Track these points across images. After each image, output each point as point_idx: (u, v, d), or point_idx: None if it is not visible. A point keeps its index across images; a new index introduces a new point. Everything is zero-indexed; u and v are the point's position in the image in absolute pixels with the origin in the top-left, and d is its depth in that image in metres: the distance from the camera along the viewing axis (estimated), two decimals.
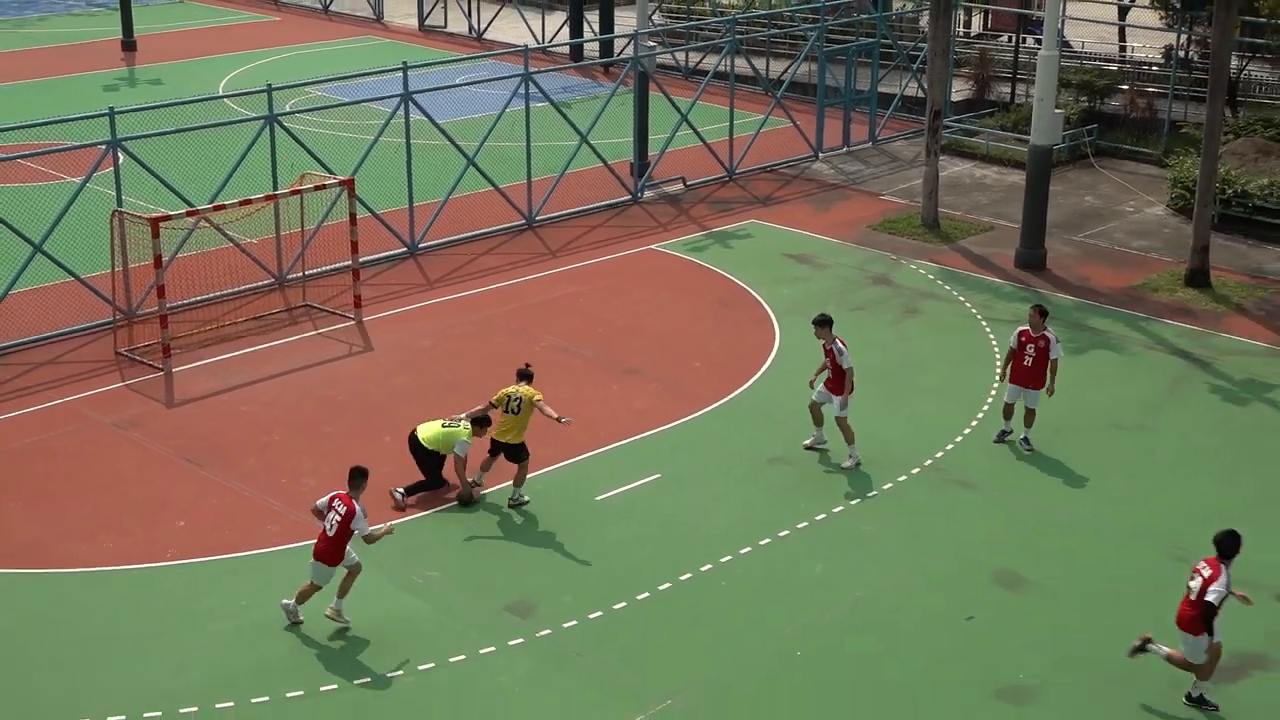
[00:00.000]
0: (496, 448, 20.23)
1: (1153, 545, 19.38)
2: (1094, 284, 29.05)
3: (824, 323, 21.41)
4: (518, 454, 20.20)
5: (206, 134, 28.90)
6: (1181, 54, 39.99)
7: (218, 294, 27.47)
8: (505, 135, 33.06)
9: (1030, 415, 21.81)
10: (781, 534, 19.50)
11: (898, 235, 31.70)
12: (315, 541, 17.52)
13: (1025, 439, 21.87)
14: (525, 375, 20.56)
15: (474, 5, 53.46)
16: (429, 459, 20.50)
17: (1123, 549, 19.32)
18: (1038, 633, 17.44)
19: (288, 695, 16.20)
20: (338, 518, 17.26)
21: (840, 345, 21.29)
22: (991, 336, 26.18)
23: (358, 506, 17.31)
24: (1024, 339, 21.60)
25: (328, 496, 17.56)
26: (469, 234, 31.31)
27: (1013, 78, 41.92)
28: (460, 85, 35.87)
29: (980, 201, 34.45)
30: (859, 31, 42.18)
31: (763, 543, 19.28)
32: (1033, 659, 16.93)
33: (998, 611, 17.86)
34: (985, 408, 23.24)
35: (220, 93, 41.42)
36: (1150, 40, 44.40)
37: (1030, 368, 21.56)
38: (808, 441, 21.92)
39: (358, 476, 17.49)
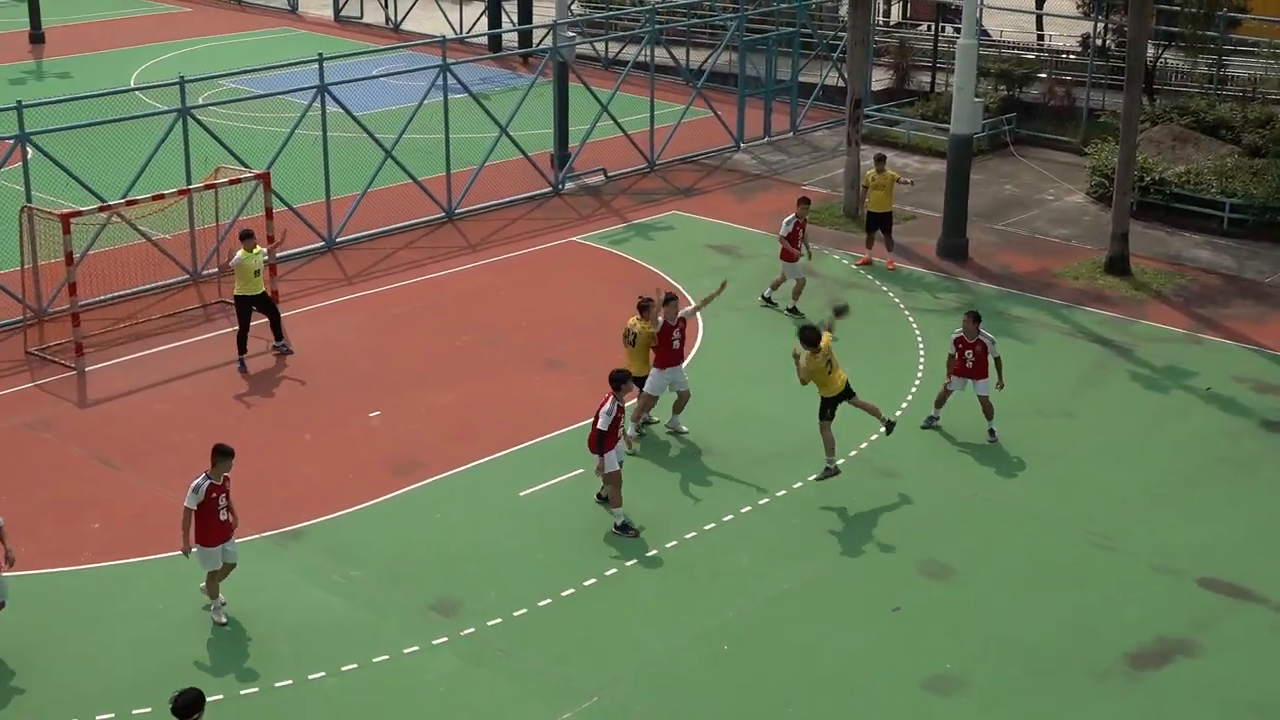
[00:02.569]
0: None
1: (1072, 530, 19.53)
2: (1015, 272, 29.26)
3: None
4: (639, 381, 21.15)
5: (118, 128, 28.45)
6: (1098, 42, 40.35)
7: (131, 290, 27.07)
8: (424, 127, 32.83)
9: (985, 405, 21.98)
10: (707, 526, 19.47)
11: (820, 225, 31.71)
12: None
13: (991, 431, 21.97)
14: (642, 306, 21.55)
15: None
16: None
17: (1044, 535, 19.46)
18: (963, 621, 17.53)
19: (208, 699, 15.96)
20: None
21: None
22: (914, 326, 26.29)
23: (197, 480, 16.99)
24: (961, 345, 21.86)
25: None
26: (388, 228, 31.06)
27: (932, 67, 42.14)
28: (377, 77, 35.57)
29: (901, 191, 34.49)
30: (779, 21, 42.23)
31: (688, 536, 19.24)
32: (959, 648, 17.00)
33: (923, 601, 17.93)
34: (910, 397, 23.33)
35: (131, 85, 40.84)
36: (1068, 28, 44.76)
37: (971, 367, 21.91)
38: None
39: (219, 456, 17.04)
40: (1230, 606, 17.90)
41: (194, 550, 17.02)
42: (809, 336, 20.42)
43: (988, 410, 21.97)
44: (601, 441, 18.99)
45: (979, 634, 17.28)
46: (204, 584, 17.43)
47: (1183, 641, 17.17)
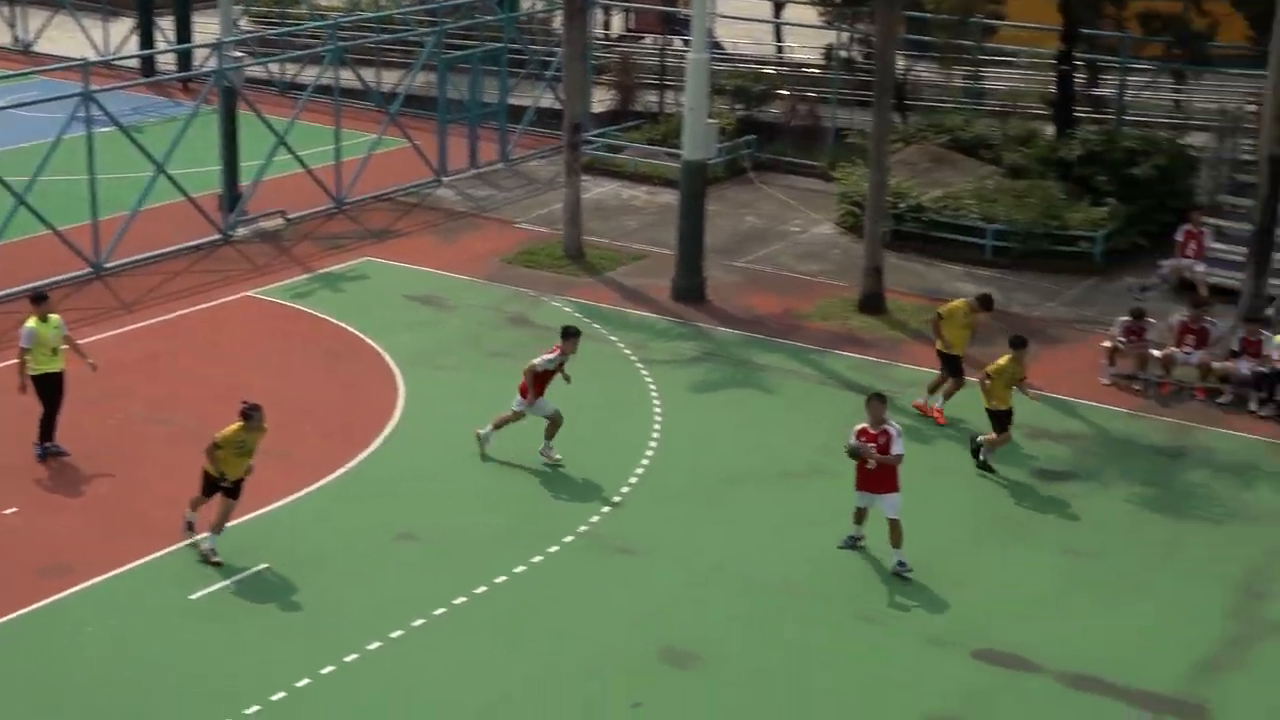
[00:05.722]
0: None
1: (833, 604, 20.12)
2: (759, 314, 29.98)
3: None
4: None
5: None
6: (843, 54, 41.67)
7: None
8: (64, 167, 32.13)
9: (894, 528, 20.69)
10: (416, 623, 19.42)
11: (537, 268, 32.07)
12: None
13: (900, 563, 20.74)
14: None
15: (18, 11, 51.83)
16: None
17: (800, 610, 19.97)
18: (712, 714, 17.83)
19: None
20: None
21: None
22: (649, 379, 26.72)
23: None
24: (864, 439, 20.68)
25: None
26: (19, 287, 30.23)
27: (660, 85, 42.94)
28: (4, 109, 34.72)
29: (629, 226, 35.15)
30: (483, 35, 42.57)
31: (394, 635, 19.17)
32: None
33: (668, 694, 18.18)
34: (645, 461, 23.69)
35: None
36: (809, 39, 46.08)
37: (875, 471, 20.68)
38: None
39: None
40: (1007, 679, 18.62)
41: None
42: None
43: (895, 535, 20.74)
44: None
45: None
46: None
47: None
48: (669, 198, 35.26)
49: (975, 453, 23.89)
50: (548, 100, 41.64)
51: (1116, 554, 21.60)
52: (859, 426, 20.81)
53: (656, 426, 24.92)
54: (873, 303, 29.94)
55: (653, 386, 26.46)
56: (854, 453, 20.67)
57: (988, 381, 23.49)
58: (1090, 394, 26.53)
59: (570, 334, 23.64)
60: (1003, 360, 23.58)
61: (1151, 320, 27.30)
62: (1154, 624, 19.92)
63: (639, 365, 27.39)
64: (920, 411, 25.48)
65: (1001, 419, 23.55)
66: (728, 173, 38.41)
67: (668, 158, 37.58)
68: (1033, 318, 30.06)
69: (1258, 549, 21.75)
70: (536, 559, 20.99)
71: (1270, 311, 28.61)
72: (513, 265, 32.27)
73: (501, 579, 20.47)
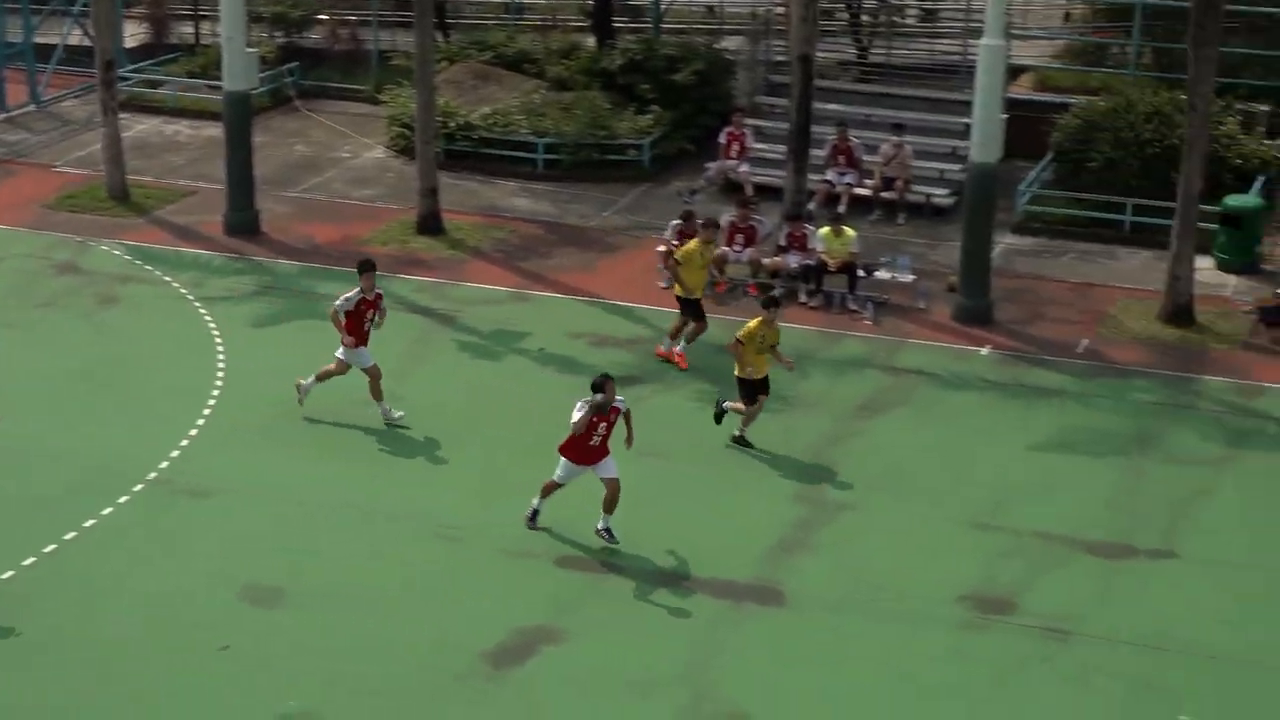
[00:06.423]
0: None
1: (412, 527, 20.21)
2: (318, 243, 29.69)
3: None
4: None
5: None
6: None
7: None
8: None
9: (615, 489, 19.74)
10: None
11: (81, 212, 31.01)
12: None
13: (606, 529, 19.79)
14: None
15: None
16: None
17: (381, 536, 20.02)
18: (305, 650, 17.72)
19: None
20: None
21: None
22: (208, 317, 26.19)
23: None
24: (595, 420, 19.58)
25: None
26: None
27: (194, 15, 41.89)
28: None
29: (175, 163, 34.29)
30: None
31: None
32: (302, 679, 17.18)
33: (254, 632, 18.00)
34: (212, 401, 23.24)
35: None
36: None
37: (598, 446, 19.75)
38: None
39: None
40: (592, 582, 19.05)
41: None
42: None
43: (611, 503, 19.81)
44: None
45: (323, 659, 17.52)
46: None
47: (544, 629, 18.09)
48: (214, 131, 34.39)
49: (717, 418, 22.66)
50: (77, 37, 40.07)
51: (687, 451, 22.29)
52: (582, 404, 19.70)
53: (220, 365, 24.47)
54: (430, 224, 29.97)
55: (213, 325, 25.94)
56: (598, 407, 19.57)
57: (739, 346, 22.19)
58: (648, 298, 27.17)
59: (366, 268, 22.61)
60: (752, 323, 22.36)
61: (701, 222, 28.04)
62: (727, 515, 20.65)
63: (197, 304, 26.81)
64: (663, 358, 24.78)
65: (752, 388, 22.22)
66: (273, 102, 37.82)
67: (209, 90, 36.70)
68: (590, 228, 30.62)
69: (816, 435, 22.74)
70: (107, 511, 20.41)
71: (811, 206, 29.81)
72: (55, 211, 31.12)
73: (72, 535, 19.83)
